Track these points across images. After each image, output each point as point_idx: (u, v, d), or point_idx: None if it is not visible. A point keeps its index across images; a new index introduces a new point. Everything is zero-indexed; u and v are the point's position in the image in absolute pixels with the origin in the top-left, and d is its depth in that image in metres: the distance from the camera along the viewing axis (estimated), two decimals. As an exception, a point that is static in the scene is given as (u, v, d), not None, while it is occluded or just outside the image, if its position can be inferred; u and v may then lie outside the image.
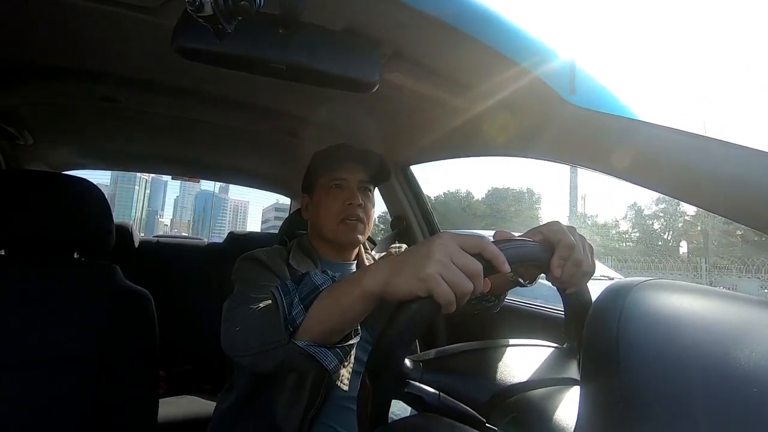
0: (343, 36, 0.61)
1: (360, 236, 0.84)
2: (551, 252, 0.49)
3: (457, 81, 0.73)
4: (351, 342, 0.55)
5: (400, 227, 1.38)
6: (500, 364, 0.52)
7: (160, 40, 0.59)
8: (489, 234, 0.51)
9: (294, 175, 1.68)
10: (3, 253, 0.85)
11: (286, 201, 2.29)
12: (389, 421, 0.42)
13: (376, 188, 0.92)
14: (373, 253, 0.96)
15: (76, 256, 0.90)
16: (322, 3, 0.55)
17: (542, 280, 0.61)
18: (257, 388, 0.77)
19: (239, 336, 0.61)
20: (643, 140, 0.58)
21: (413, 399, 0.43)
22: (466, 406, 0.44)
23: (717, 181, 0.50)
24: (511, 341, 0.58)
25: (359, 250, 0.90)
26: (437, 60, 0.69)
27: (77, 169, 1.74)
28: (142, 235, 2.41)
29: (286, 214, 1.36)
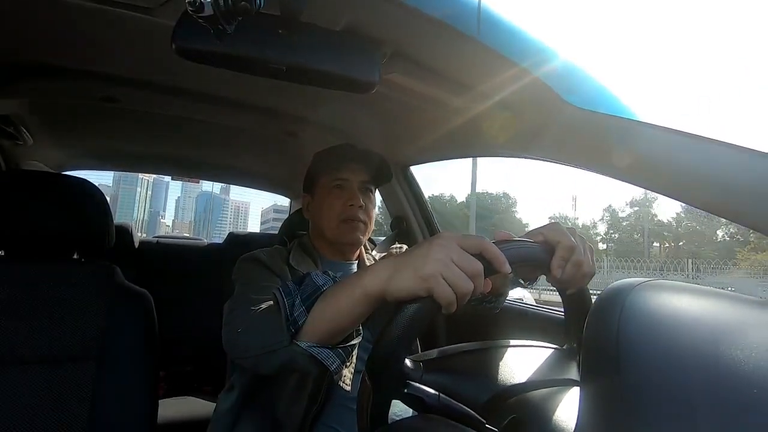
0: (343, 36, 0.61)
1: (361, 236, 0.84)
2: (551, 253, 0.49)
3: (458, 81, 0.73)
4: (353, 342, 0.55)
5: (400, 228, 1.38)
6: (500, 365, 0.51)
7: (160, 40, 0.59)
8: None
9: (294, 176, 1.69)
10: (3, 253, 0.85)
11: (284, 202, 2.29)
12: (389, 422, 0.42)
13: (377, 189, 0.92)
14: (374, 253, 0.96)
15: (75, 256, 0.90)
16: (322, 3, 0.55)
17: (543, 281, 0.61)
18: (258, 388, 0.77)
19: (241, 338, 0.61)
20: (642, 141, 0.58)
21: (413, 399, 0.43)
22: (466, 407, 0.43)
23: (717, 182, 0.50)
24: (512, 342, 0.58)
25: (360, 250, 0.90)
26: (437, 60, 0.69)
27: (77, 169, 1.74)
28: (144, 235, 2.41)
29: (285, 215, 1.36)
